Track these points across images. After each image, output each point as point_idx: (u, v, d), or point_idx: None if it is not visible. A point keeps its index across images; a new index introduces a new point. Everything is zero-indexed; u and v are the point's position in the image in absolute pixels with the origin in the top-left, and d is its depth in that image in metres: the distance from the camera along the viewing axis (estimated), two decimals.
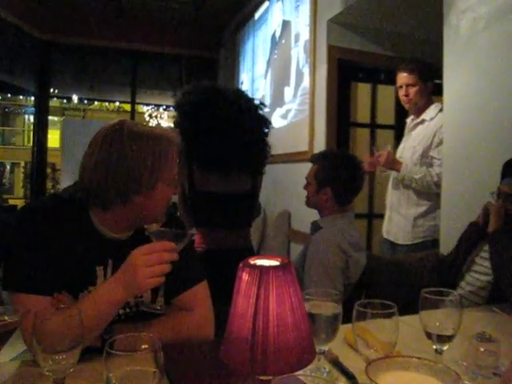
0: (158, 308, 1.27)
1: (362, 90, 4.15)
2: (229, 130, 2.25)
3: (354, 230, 2.22)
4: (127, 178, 1.21)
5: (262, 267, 0.72)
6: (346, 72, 3.94)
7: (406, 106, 3.03)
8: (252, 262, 0.73)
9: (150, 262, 1.09)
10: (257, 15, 5.62)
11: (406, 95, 2.94)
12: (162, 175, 1.25)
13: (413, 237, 2.86)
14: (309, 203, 2.31)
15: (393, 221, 3.02)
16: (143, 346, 0.81)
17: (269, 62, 5.25)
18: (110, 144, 1.22)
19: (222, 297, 1.35)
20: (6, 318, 0.98)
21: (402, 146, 3.09)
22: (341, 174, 2.18)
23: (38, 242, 1.22)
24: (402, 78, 2.95)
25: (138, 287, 1.10)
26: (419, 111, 2.97)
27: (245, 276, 0.72)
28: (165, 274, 1.12)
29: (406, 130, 3.11)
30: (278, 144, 4.71)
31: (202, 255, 2.19)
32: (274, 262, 0.73)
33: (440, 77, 2.70)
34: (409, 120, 3.09)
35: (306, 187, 2.30)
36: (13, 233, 1.26)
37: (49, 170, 8.57)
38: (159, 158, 1.24)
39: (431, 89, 2.91)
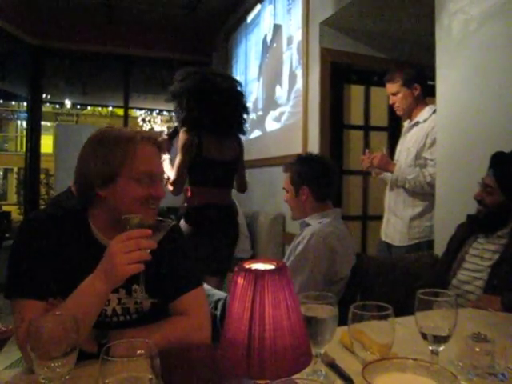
0: (139, 297, 1.31)
1: (355, 92, 4.16)
2: (224, 98, 3.06)
3: (341, 224, 2.31)
4: (92, 174, 1.32)
5: (257, 271, 0.71)
6: (339, 74, 3.95)
7: (398, 113, 3.12)
8: (247, 266, 0.73)
9: (128, 249, 1.10)
10: (249, 18, 5.64)
11: (394, 103, 3.04)
12: (122, 171, 1.31)
13: (409, 238, 2.87)
14: (294, 213, 2.41)
15: (390, 223, 3.04)
16: (139, 352, 0.80)
17: (261, 65, 5.26)
18: (84, 148, 1.37)
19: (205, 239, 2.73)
20: (1, 325, 0.97)
21: (398, 148, 3.12)
22: (312, 170, 2.29)
23: (37, 250, 1.27)
24: (387, 88, 3.06)
25: (117, 274, 1.11)
26: (411, 115, 3.03)
27: (240, 280, 0.72)
28: (144, 262, 1.13)
29: (403, 132, 3.14)
30: (271, 147, 4.74)
31: (196, 208, 3.01)
32: (270, 266, 0.73)
33: (432, 78, 2.72)
34: (406, 123, 3.13)
35: (286, 198, 2.39)
36: (14, 243, 1.32)
37: (42, 176, 8.53)
38: (122, 156, 1.31)
39: (418, 91, 2.95)
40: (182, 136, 3.03)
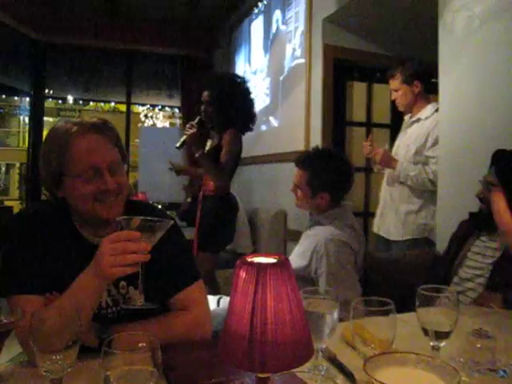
0: (138, 304, 1.22)
1: (358, 89, 4.16)
2: (251, 102, 3.51)
3: (353, 218, 2.25)
4: (43, 177, 1.30)
5: (259, 264, 0.71)
6: (342, 71, 3.95)
7: (399, 109, 3.14)
8: (249, 260, 0.73)
9: (115, 251, 1.07)
10: (252, 14, 5.62)
11: (395, 99, 3.07)
12: (64, 170, 1.26)
13: (403, 233, 2.89)
14: (302, 206, 2.30)
15: (384, 217, 3.05)
16: (141, 345, 0.80)
17: (265, 60, 5.25)
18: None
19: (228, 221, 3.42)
20: (3, 317, 0.97)
21: (397, 143, 3.13)
22: (337, 177, 2.18)
23: (26, 246, 1.27)
24: (390, 84, 3.09)
25: (104, 275, 1.09)
26: (412, 110, 3.04)
27: (242, 273, 0.72)
28: (143, 263, 1.10)
29: (403, 127, 3.14)
30: (273, 143, 4.74)
31: (222, 197, 3.41)
32: (272, 260, 0.73)
33: (435, 75, 2.72)
34: (406, 117, 3.14)
35: (295, 191, 2.27)
36: (4, 240, 1.31)
37: None
38: (59, 154, 1.25)
39: (419, 88, 2.96)
40: (233, 137, 3.30)
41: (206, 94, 3.43)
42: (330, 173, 2.17)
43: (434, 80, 2.85)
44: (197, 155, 3.27)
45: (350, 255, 2.09)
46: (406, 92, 2.98)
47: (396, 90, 3.02)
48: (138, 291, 1.18)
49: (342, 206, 2.24)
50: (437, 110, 2.84)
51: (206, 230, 3.35)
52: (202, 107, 3.45)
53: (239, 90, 3.40)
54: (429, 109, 2.93)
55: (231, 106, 3.33)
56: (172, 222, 1.17)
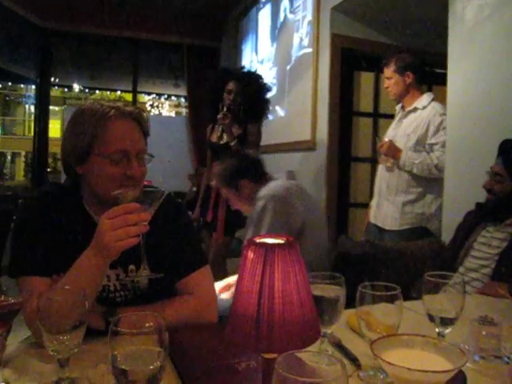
0: (143, 275, 1.22)
1: (365, 79, 4.14)
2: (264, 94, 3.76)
3: (294, 181, 2.48)
4: (68, 151, 1.31)
5: (267, 245, 0.71)
6: (349, 61, 3.93)
7: (390, 97, 3.18)
8: (257, 241, 0.73)
9: (115, 226, 1.08)
10: (260, 3, 5.59)
11: (387, 87, 3.10)
12: (94, 148, 1.27)
13: (400, 223, 2.89)
14: (244, 208, 2.54)
15: (381, 207, 3.05)
16: (148, 325, 0.81)
17: (272, 49, 5.23)
18: (66, 125, 1.36)
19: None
20: (11, 298, 0.98)
21: (392, 133, 3.10)
22: (237, 164, 2.48)
23: (36, 228, 1.28)
24: (384, 72, 3.13)
25: (109, 252, 1.10)
26: (403, 100, 3.06)
27: (250, 254, 0.72)
28: (142, 235, 1.12)
29: (397, 118, 3.14)
30: (280, 133, 4.73)
31: None
32: (280, 241, 0.73)
33: (442, 65, 2.71)
34: (398, 108, 3.15)
35: (234, 204, 2.56)
36: (14, 223, 1.33)
37: (50, 160, 8.56)
38: (92, 133, 1.26)
39: (410, 79, 2.97)
40: (258, 129, 3.66)
41: (232, 84, 3.60)
42: (229, 166, 2.48)
43: (440, 71, 2.86)
44: (232, 144, 3.50)
45: (283, 209, 2.25)
46: (397, 81, 3.00)
47: (388, 78, 3.05)
48: (142, 264, 1.19)
49: (275, 179, 2.44)
50: (433, 100, 2.89)
51: (233, 215, 3.53)
52: (230, 96, 3.58)
53: (265, 88, 3.75)
54: (425, 98, 2.95)
55: (258, 102, 3.64)
56: (166, 192, 1.18)
